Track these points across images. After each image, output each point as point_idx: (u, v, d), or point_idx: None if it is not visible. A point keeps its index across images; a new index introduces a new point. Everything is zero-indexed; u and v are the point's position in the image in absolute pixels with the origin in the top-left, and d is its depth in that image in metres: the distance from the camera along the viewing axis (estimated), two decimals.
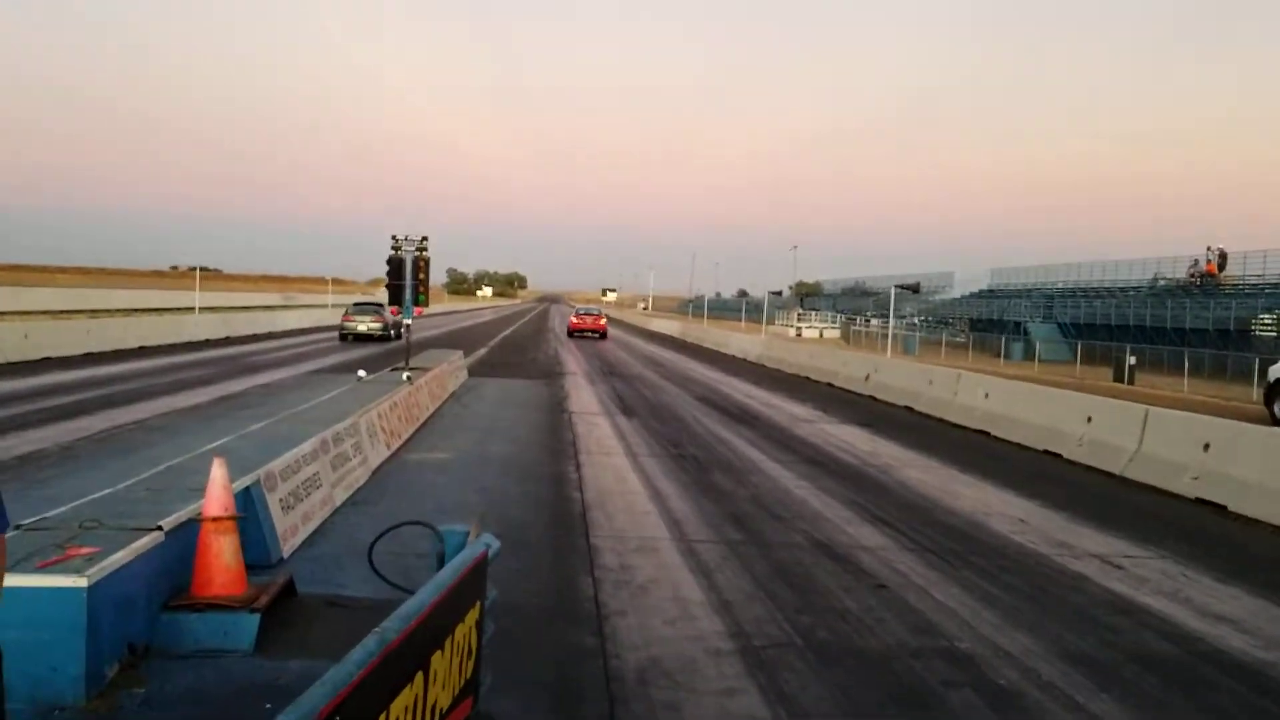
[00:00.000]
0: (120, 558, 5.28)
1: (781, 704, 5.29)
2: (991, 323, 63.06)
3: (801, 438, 16.22)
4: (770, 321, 76.40)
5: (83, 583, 4.88)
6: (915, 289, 66.37)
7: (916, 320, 72.21)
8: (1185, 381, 35.55)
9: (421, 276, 17.97)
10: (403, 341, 21.11)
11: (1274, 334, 42.24)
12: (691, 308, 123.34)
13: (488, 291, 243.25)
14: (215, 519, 6.00)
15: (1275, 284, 48.13)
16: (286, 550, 7.66)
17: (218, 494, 6.07)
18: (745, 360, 37.62)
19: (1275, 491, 10.84)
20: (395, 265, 17.81)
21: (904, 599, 7.33)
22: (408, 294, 17.88)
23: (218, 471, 6.14)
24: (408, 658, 3.65)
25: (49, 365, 22.78)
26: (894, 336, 49.55)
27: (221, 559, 5.96)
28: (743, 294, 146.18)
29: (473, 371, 25.80)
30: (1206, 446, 12.16)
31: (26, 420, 14.17)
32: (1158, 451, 13.09)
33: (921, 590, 7.57)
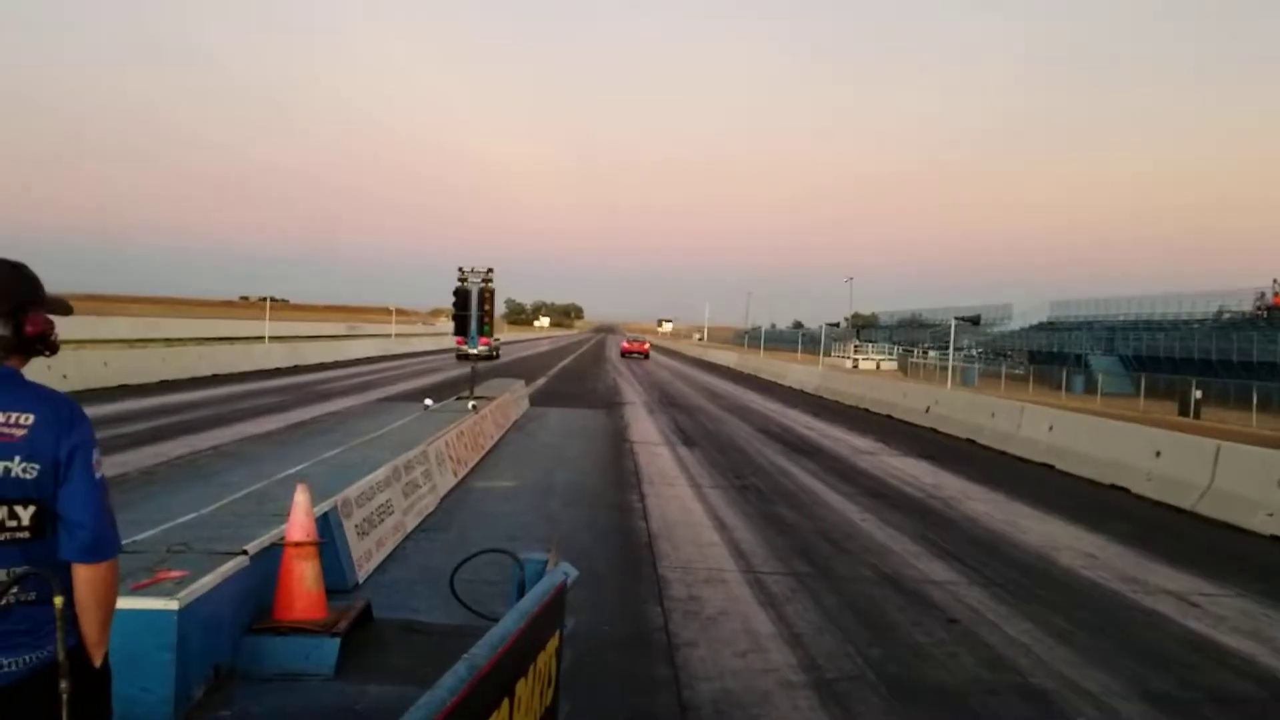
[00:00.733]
0: (208, 581, 5.43)
1: None
2: (1051, 355, 62.17)
3: (863, 470, 16.12)
4: (827, 353, 75.99)
5: (173, 605, 5.03)
6: (975, 321, 65.53)
7: (975, 352, 71.42)
8: (1254, 416, 34.70)
9: (487, 307, 18.23)
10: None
11: None
12: (747, 339, 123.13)
13: (545, 322, 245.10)
14: (297, 544, 6.15)
15: None
16: (361, 576, 7.80)
17: (300, 520, 6.23)
18: (803, 392, 37.46)
19: None
20: (462, 296, 18.09)
21: (976, 633, 7.26)
22: (473, 324, 18.15)
23: (300, 497, 6.30)
24: (496, 684, 3.71)
25: (127, 392, 23.40)
26: (953, 368, 49.04)
27: (303, 583, 6.11)
28: (798, 325, 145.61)
29: (534, 401, 26.01)
30: None
31: (108, 445, 14.57)
32: (1230, 487, 12.81)
33: (993, 625, 7.50)
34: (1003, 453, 19.20)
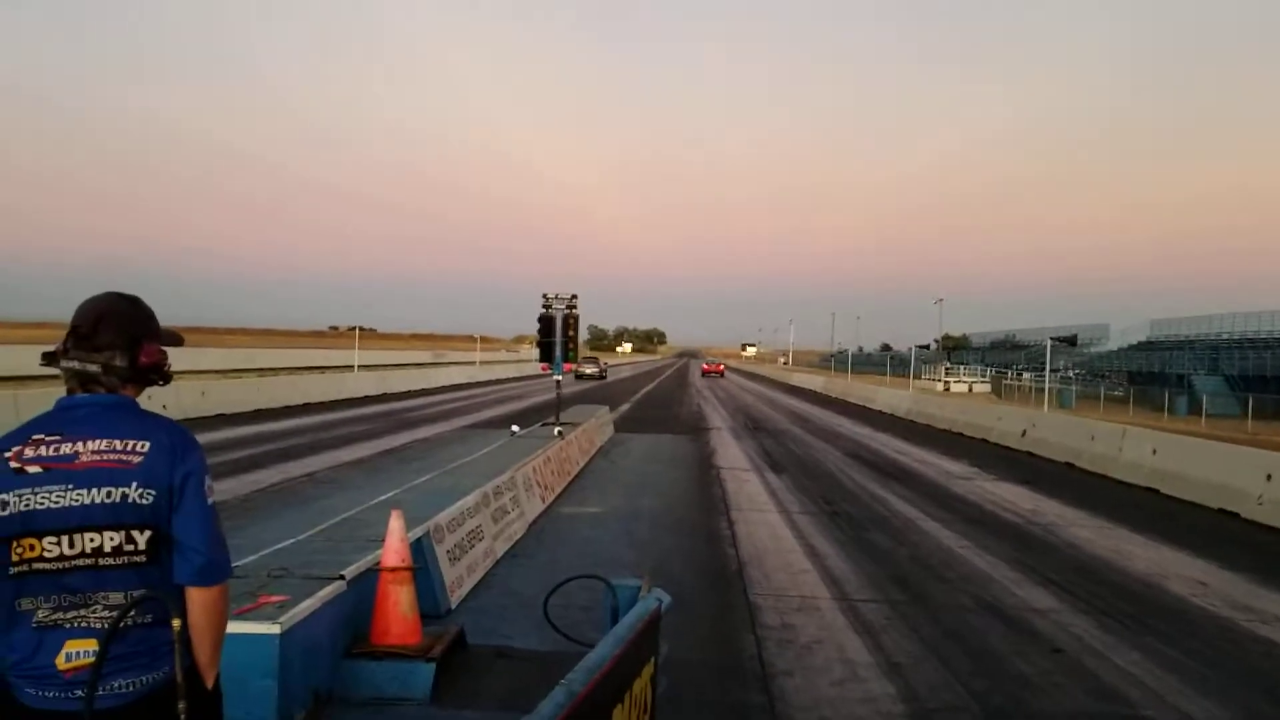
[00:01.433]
0: (308, 606, 5.51)
1: None
2: (1151, 376, 60.23)
3: (959, 495, 15.76)
4: (916, 376, 74.81)
5: (275, 629, 5.11)
6: (1071, 341, 64.02)
7: (1071, 374, 69.61)
8: None
9: (571, 333, 18.37)
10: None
11: None
12: (834, 362, 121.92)
13: (628, 347, 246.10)
14: (393, 569, 6.20)
15: None
16: (454, 601, 7.85)
17: (396, 545, 6.29)
18: (893, 415, 36.88)
19: None
20: (546, 323, 18.26)
21: (1082, 663, 7.00)
22: (558, 350, 18.28)
23: (396, 524, 6.36)
24: (593, 711, 3.66)
25: (223, 421, 24.10)
26: (1049, 390, 47.84)
27: (399, 609, 6.16)
28: (886, 348, 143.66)
29: (618, 427, 26.07)
30: None
31: None
32: None
33: (1099, 655, 7.22)
34: (1104, 477, 18.61)
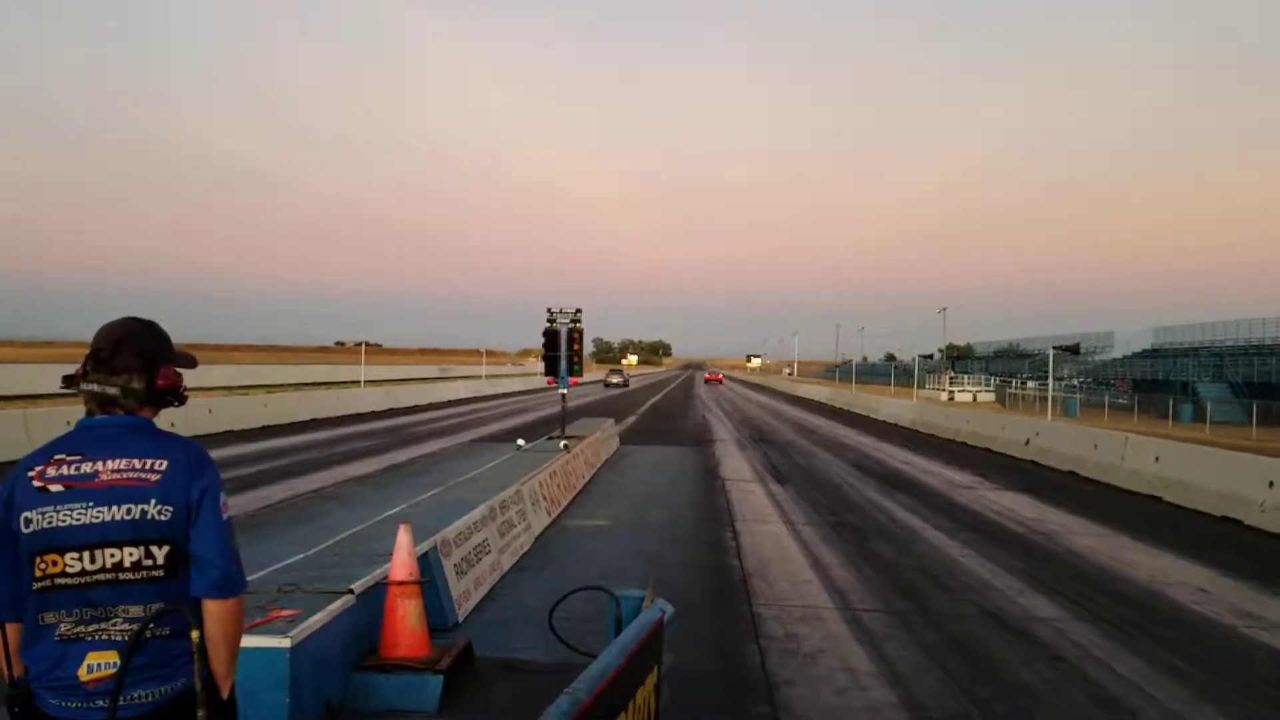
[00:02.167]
0: (318, 619, 5.61)
1: None
2: (1156, 383, 60.22)
3: (962, 504, 15.82)
4: (921, 385, 74.81)
5: (286, 643, 5.21)
6: (1075, 350, 63.85)
7: (1076, 382, 69.57)
8: None
9: (576, 347, 18.47)
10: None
11: None
12: (838, 372, 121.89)
13: (633, 360, 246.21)
14: (401, 583, 6.30)
15: None
16: (461, 614, 7.94)
17: (403, 559, 6.38)
18: (897, 425, 36.93)
19: None
20: (551, 337, 18.38)
21: (1084, 671, 7.07)
22: (563, 364, 18.39)
23: (403, 538, 6.46)
24: (596, 719, 3.76)
25: (231, 438, 24.22)
26: (1053, 399, 47.85)
27: (407, 622, 6.25)
28: (891, 358, 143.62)
29: (624, 439, 26.15)
30: None
31: None
32: None
33: (1101, 663, 7.29)
34: (1107, 485, 18.66)
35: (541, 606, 8.32)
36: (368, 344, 70.41)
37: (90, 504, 2.50)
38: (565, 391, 19.37)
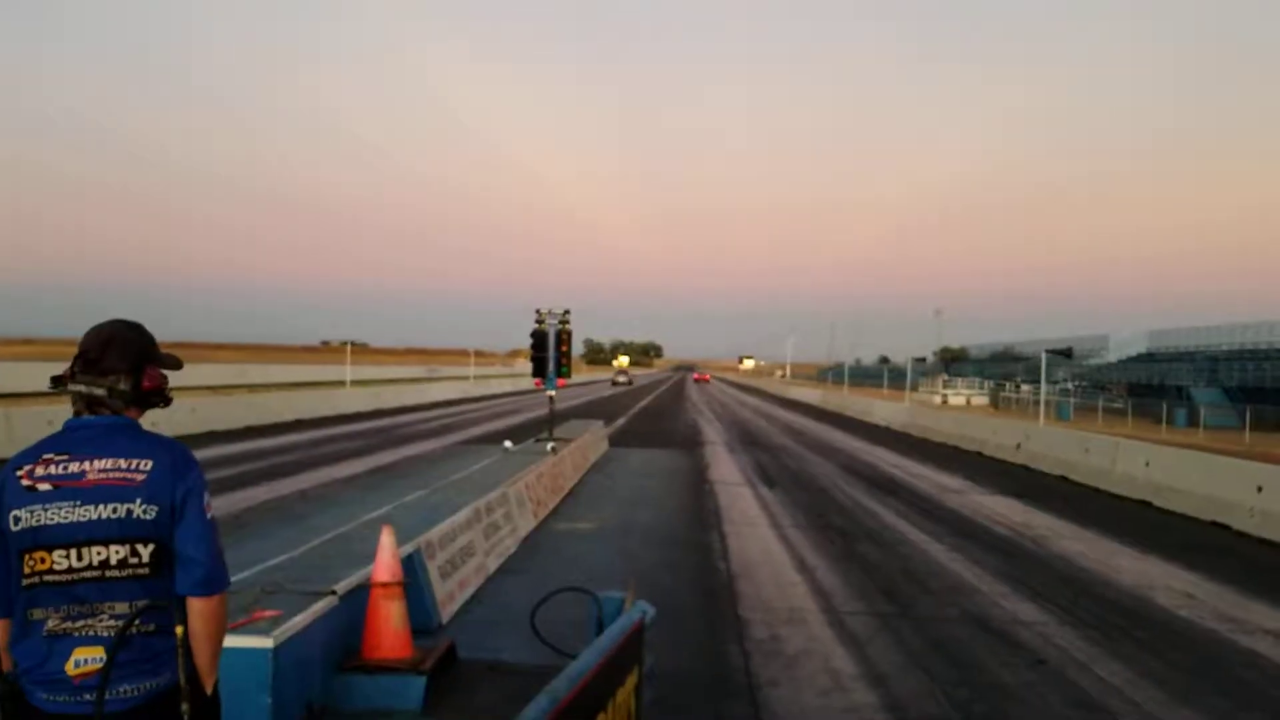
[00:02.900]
0: (300, 620, 5.61)
1: None
2: (1150, 388, 60.35)
3: (951, 508, 15.86)
4: (914, 388, 74.88)
5: (269, 643, 5.20)
6: (1068, 354, 64.07)
7: (1070, 386, 69.70)
8: None
9: (564, 349, 18.45)
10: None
11: None
12: (831, 375, 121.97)
13: (624, 360, 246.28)
14: (384, 585, 6.30)
15: None
16: (445, 616, 7.94)
17: (387, 561, 6.39)
18: (889, 429, 36.99)
19: None
20: (539, 338, 18.35)
21: (1065, 674, 7.10)
22: (551, 365, 18.37)
23: (386, 539, 6.46)
24: (575, 717, 3.77)
25: (214, 438, 24.16)
26: (1046, 403, 47.94)
27: (390, 623, 6.25)
28: (884, 360, 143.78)
29: (613, 441, 26.15)
30: None
31: None
32: None
33: (1083, 666, 7.32)
34: (1097, 490, 18.72)
35: (526, 609, 8.28)
36: (354, 344, 70.28)
37: (78, 503, 2.58)
38: (553, 393, 19.34)
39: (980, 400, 75.54)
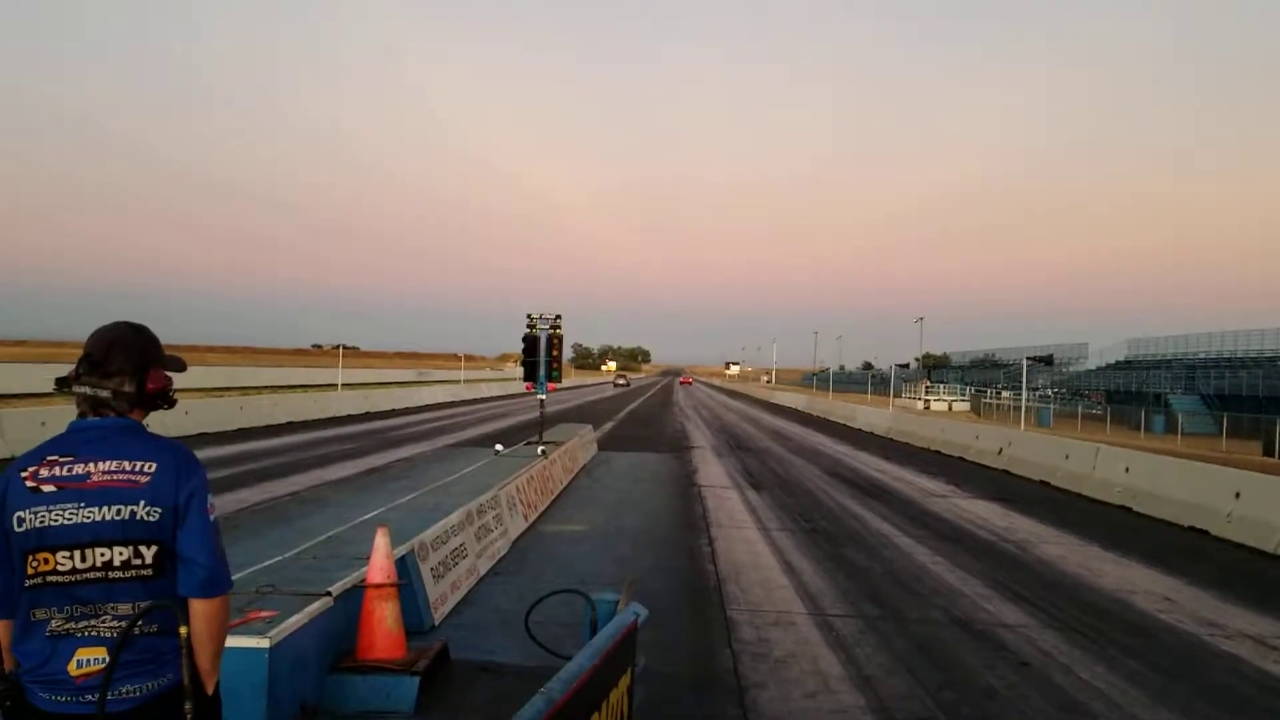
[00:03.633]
0: (296, 621, 5.68)
1: None
2: (1129, 394, 60.85)
3: (935, 513, 16.00)
4: (897, 394, 75.20)
5: (265, 644, 5.28)
6: (1048, 361, 64.59)
7: (1050, 392, 70.16)
8: None
9: (555, 353, 18.50)
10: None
11: None
12: (815, 380, 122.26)
13: (612, 365, 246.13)
14: (378, 586, 6.38)
15: None
16: (437, 617, 8.02)
17: (381, 562, 6.46)
18: (873, 434, 37.17)
19: None
20: (530, 342, 18.39)
21: (1048, 677, 7.22)
22: (542, 370, 18.43)
23: (380, 541, 6.54)
24: (570, 719, 3.86)
25: (206, 440, 24.11)
26: (1027, 409, 48.23)
27: (384, 624, 6.33)
28: (868, 366, 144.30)
29: (602, 445, 26.23)
30: None
31: None
32: None
33: (1066, 668, 7.44)
34: (1078, 495, 18.91)
35: (518, 610, 8.40)
36: (345, 347, 70.14)
37: (82, 504, 2.59)
38: (544, 397, 19.40)
39: (962, 406, 75.92)
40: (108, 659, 2.54)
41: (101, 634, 2.58)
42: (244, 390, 50.21)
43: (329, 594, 6.24)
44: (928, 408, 72.05)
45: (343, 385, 51.75)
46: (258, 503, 14.32)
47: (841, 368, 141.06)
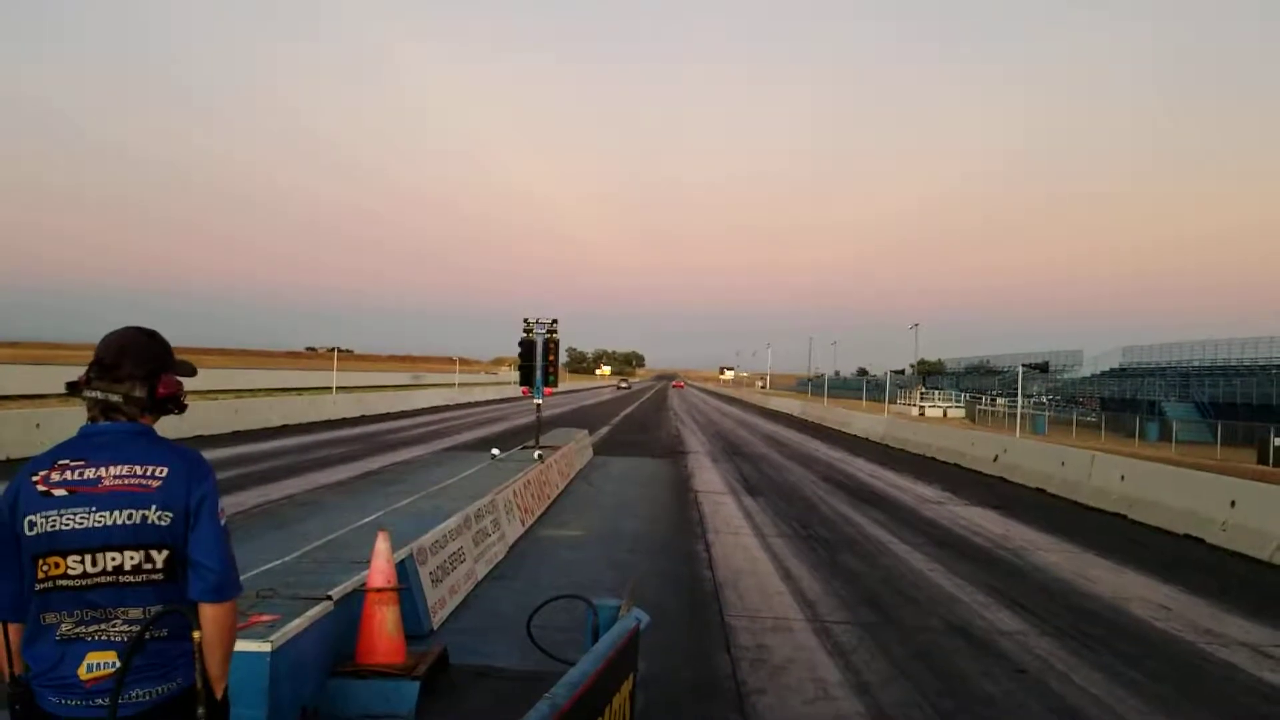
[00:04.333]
0: (297, 625, 5.68)
1: None
2: (1124, 402, 60.95)
3: (930, 519, 16.03)
4: (892, 400, 75.31)
5: (266, 648, 5.27)
6: (1044, 368, 64.71)
7: (1045, 399, 70.29)
8: None
9: (551, 358, 18.51)
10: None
11: None
12: (810, 386, 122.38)
13: (606, 370, 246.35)
14: (378, 590, 6.38)
15: None
16: (436, 622, 8.02)
17: (381, 566, 6.47)
18: (868, 440, 37.21)
19: None
20: (527, 347, 18.40)
21: (1046, 684, 7.25)
22: (538, 374, 18.44)
23: (381, 545, 6.54)
24: None
25: (201, 443, 24.04)
26: (1022, 416, 48.32)
27: (384, 628, 6.33)
28: (862, 372, 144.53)
29: (597, 450, 26.24)
30: None
31: None
32: None
33: (1063, 675, 7.47)
34: (1073, 502, 18.94)
35: (516, 615, 8.43)
36: (339, 350, 70.03)
37: (93, 508, 2.58)
38: (540, 401, 19.41)
39: (957, 413, 76.05)
40: (118, 663, 2.54)
41: (112, 638, 2.58)
42: (238, 393, 50.08)
43: (329, 598, 6.24)
44: (923, 414, 72.13)
45: (337, 388, 51.68)
46: (254, 506, 14.30)
47: (837, 373, 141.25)
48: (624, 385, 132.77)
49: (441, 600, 8.36)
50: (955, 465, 26.67)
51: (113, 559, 2.58)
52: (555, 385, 19.00)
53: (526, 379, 18.57)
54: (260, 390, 56.54)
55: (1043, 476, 21.40)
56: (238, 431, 27.75)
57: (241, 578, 6.66)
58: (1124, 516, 16.84)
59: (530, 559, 11.21)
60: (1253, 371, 57.34)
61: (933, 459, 28.70)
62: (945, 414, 75.22)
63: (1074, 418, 55.70)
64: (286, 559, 7.53)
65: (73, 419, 22.15)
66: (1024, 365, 53.30)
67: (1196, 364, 64.93)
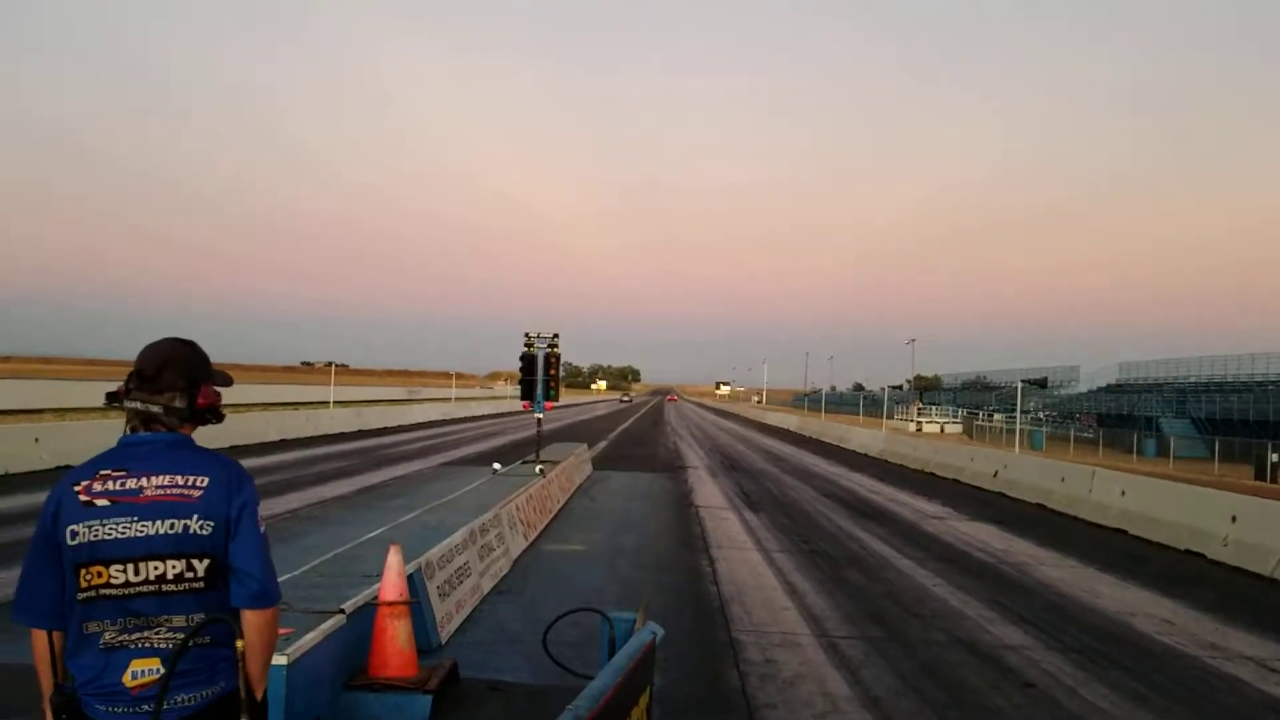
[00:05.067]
0: (311, 638, 5.70)
1: None
2: (1121, 418, 61.08)
3: (932, 535, 16.05)
4: (889, 416, 75.36)
5: (282, 660, 5.28)
6: (1042, 384, 64.89)
7: (1042, 415, 70.39)
8: None
9: (553, 372, 18.54)
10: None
11: None
12: (807, 401, 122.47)
13: (602, 385, 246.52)
14: (391, 604, 6.40)
15: None
16: (444, 636, 8.03)
17: (393, 580, 6.49)
18: (866, 455, 37.24)
19: None
20: (528, 361, 18.43)
21: (1053, 698, 7.27)
22: (539, 388, 18.46)
23: (394, 559, 6.57)
24: None
25: None
26: (1020, 431, 48.41)
27: (396, 642, 6.35)
28: (859, 388, 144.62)
29: (596, 464, 26.24)
30: None
31: None
32: None
33: (1070, 690, 7.49)
34: (1074, 518, 18.96)
35: (522, 629, 8.46)
36: (336, 365, 70.00)
37: (135, 518, 2.61)
38: (541, 416, 19.42)
39: (954, 428, 76.15)
40: (162, 670, 2.58)
41: (155, 645, 2.62)
42: (236, 408, 49.95)
43: (342, 611, 6.26)
44: (920, 429, 72.25)
45: (334, 403, 51.64)
46: None
47: (833, 388, 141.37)
48: (626, 399, 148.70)
49: (449, 614, 8.37)
50: (955, 481, 26.69)
51: (155, 568, 2.62)
52: (556, 400, 19.03)
53: (527, 393, 18.59)
54: (257, 405, 56.40)
55: (1043, 492, 21.43)
56: (235, 446, 27.64)
57: None
58: (1125, 532, 16.87)
59: (534, 573, 11.21)
60: (1249, 388, 57.47)
61: (932, 474, 28.72)
62: (942, 429, 75.34)
63: (1071, 433, 55.79)
64: (295, 573, 7.55)
65: (72, 434, 22.28)
66: (1022, 381, 53.40)
67: (1193, 380, 65.08)
